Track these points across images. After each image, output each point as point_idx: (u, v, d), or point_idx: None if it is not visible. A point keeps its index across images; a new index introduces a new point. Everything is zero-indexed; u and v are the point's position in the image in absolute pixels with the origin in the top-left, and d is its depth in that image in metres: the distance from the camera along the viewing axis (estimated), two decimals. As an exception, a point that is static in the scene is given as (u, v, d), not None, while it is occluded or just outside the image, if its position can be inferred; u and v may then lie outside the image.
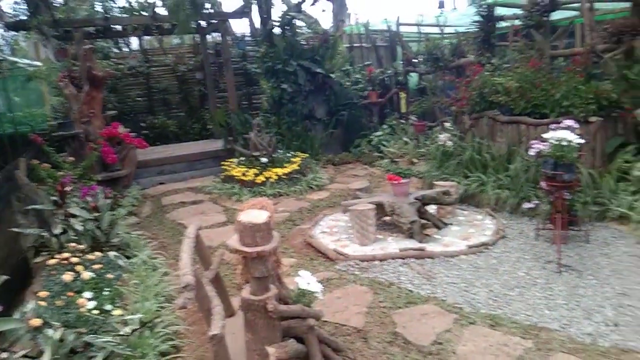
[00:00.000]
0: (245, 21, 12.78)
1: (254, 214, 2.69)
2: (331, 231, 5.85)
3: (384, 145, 9.46)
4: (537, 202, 5.56)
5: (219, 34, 10.91)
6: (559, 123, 4.80)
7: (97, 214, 4.91)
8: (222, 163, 8.53)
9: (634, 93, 6.06)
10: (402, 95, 10.79)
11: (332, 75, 10.02)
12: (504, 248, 5.04)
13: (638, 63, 6.16)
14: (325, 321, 3.67)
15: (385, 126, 10.17)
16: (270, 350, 2.63)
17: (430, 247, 5.07)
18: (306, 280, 2.95)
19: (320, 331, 3.18)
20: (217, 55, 11.76)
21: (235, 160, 8.45)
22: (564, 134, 4.36)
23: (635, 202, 5.38)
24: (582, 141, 4.55)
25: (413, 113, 10.28)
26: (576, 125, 4.66)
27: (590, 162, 5.85)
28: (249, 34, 12.33)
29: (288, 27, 9.74)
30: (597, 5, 7.35)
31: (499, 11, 8.51)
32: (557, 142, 4.36)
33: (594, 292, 4.01)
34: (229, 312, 3.36)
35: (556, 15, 7.90)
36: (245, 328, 2.78)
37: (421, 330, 3.44)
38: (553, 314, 3.69)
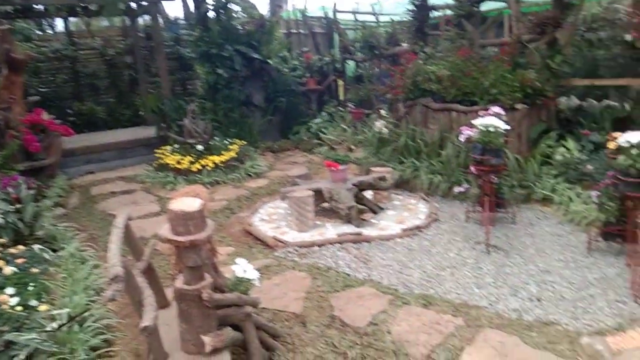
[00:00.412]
0: (178, 3, 12.33)
1: (186, 201, 2.61)
2: (270, 219, 5.82)
3: (322, 133, 9.51)
4: (467, 186, 5.79)
5: (151, 17, 10.47)
6: (487, 110, 5.00)
7: (19, 206, 4.61)
8: (155, 151, 8.24)
9: (556, 82, 6.43)
10: (340, 82, 10.86)
11: (269, 61, 9.91)
12: (436, 230, 5.22)
13: (560, 53, 6.53)
14: (264, 308, 3.65)
15: (323, 113, 10.21)
16: (206, 339, 2.58)
17: (367, 231, 5.16)
18: (242, 268, 2.92)
19: (258, 318, 3.17)
20: (148, 38, 11.30)
21: (169, 147, 8.19)
22: (491, 120, 4.55)
23: (557, 184, 5.72)
24: (508, 127, 4.77)
25: (351, 100, 10.38)
26: (503, 112, 4.88)
27: (517, 147, 6.15)
28: (182, 17, 11.92)
29: (223, 11, 9.51)
30: (523, -3, 7.69)
31: (432, 0, 8.72)
32: (484, 129, 4.55)
33: (519, 270, 4.23)
34: (163, 303, 3.27)
35: (486, 6, 8.21)
36: (179, 318, 2.71)
37: (358, 312, 3.50)
38: (482, 292, 3.87)
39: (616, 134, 3.90)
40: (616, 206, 4.22)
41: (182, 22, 11.91)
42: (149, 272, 3.19)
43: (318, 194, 5.55)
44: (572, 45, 7.03)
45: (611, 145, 3.92)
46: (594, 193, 4.62)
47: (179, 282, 2.67)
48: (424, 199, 6.14)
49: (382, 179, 5.84)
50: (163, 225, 2.67)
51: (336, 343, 3.20)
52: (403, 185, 6.57)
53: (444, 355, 3.01)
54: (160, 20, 10.75)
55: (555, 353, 3.02)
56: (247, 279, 2.90)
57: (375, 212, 5.74)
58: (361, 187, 5.71)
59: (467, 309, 3.61)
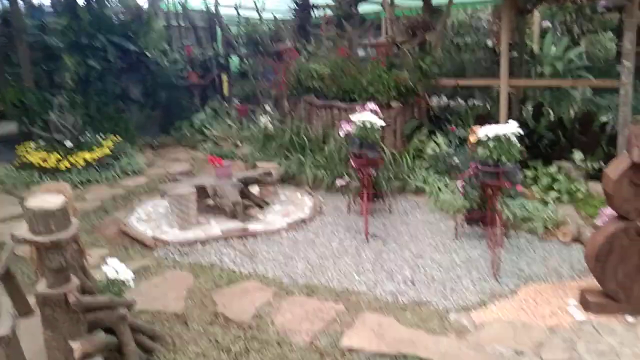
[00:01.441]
0: (42, -12, 11.22)
1: (47, 198, 2.39)
2: (149, 218, 5.54)
3: (206, 128, 9.27)
4: (348, 179, 6.01)
5: (9, 1, 9.41)
6: (364, 107, 5.23)
7: None
8: (17, 148, 7.44)
9: (427, 81, 6.91)
10: (224, 78, 10.67)
11: (147, 53, 9.43)
12: (320, 223, 5.35)
13: (429, 55, 7.03)
14: (143, 310, 3.47)
15: (207, 109, 9.96)
16: (75, 345, 2.38)
17: (253, 226, 5.14)
18: (114, 269, 2.75)
19: (135, 320, 3.00)
20: (7, 24, 10.14)
21: (32, 144, 7.44)
22: (368, 116, 4.77)
23: (429, 176, 6.16)
24: (384, 123, 5.04)
25: (236, 96, 10.25)
26: (378, 109, 5.13)
27: (392, 142, 6.52)
28: (49, 4, 10.88)
29: (94, -1, 8.86)
30: (398, 1, 8.15)
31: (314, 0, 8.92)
32: (361, 124, 4.75)
33: (395, 255, 4.49)
34: (25, 311, 2.96)
35: (365, 8, 8.58)
36: (43, 325, 2.47)
37: (241, 306, 3.47)
38: (362, 278, 4.05)
39: (476, 128, 4.29)
40: (478, 194, 4.66)
41: (48, 8, 10.87)
42: (8, 279, 2.87)
43: (202, 190, 5.41)
44: (441, 48, 7.62)
45: (472, 138, 4.31)
46: (459, 183, 5.05)
47: (42, 286, 2.44)
48: (309, 193, 6.26)
49: (268, 174, 5.84)
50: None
51: (219, 339, 3.14)
52: (289, 180, 6.64)
53: (326, 341, 3.09)
54: (22, 4, 9.71)
55: (427, 330, 3.25)
56: (120, 280, 2.73)
57: (261, 207, 5.73)
58: (247, 182, 5.67)
59: (348, 295, 3.75)
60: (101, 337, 2.52)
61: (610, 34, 9.99)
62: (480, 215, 4.68)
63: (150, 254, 4.56)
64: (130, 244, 4.87)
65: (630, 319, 3.32)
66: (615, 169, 3.22)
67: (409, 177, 6.23)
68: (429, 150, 6.41)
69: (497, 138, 3.84)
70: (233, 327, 3.28)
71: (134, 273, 3.96)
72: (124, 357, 2.70)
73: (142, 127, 9.32)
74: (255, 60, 9.96)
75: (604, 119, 6.52)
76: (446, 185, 5.85)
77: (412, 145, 6.59)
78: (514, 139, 3.88)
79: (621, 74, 5.09)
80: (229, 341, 3.11)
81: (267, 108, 8.07)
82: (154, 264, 4.31)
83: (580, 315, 3.41)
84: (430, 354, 2.91)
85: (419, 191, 6.12)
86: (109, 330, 2.67)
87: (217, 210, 5.54)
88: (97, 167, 7.07)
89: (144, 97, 9.43)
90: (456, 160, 5.98)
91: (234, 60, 11.04)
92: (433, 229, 5.13)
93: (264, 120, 7.26)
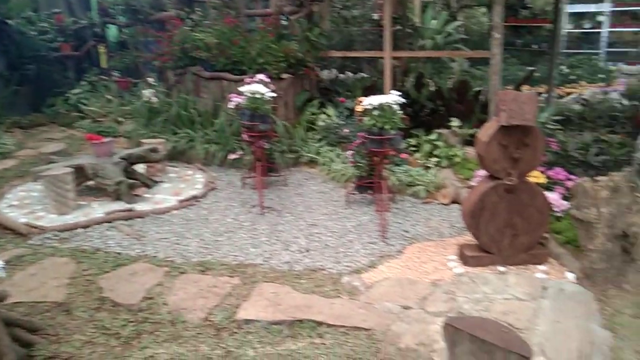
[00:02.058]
0: None
1: None
2: (22, 204, 5.05)
3: (83, 104, 8.56)
4: (241, 152, 5.92)
5: None
6: (254, 78, 5.15)
7: None
8: None
9: (315, 53, 6.95)
10: (101, 49, 9.88)
11: (9, 21, 8.42)
12: (214, 199, 5.24)
13: (317, 27, 7.06)
14: (18, 302, 3.18)
15: (84, 83, 9.18)
16: None
17: (139, 206, 4.88)
18: (-22, 258, 2.46)
19: (9, 314, 2.74)
20: None
21: None
22: (257, 87, 4.71)
23: (321, 148, 6.27)
24: (274, 94, 5.00)
25: (115, 68, 9.55)
26: (268, 80, 5.08)
27: (285, 115, 6.51)
28: None
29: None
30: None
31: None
32: (251, 95, 4.68)
33: (290, 226, 4.54)
34: None
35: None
36: None
37: (130, 289, 3.31)
38: (257, 251, 4.04)
39: (362, 99, 4.43)
40: (366, 162, 4.83)
41: None
42: None
43: (80, 171, 5.01)
44: (329, 20, 7.69)
45: (358, 108, 4.44)
46: (349, 152, 5.20)
47: None
48: (201, 169, 6.08)
49: (154, 150, 5.56)
50: None
51: (108, 325, 2.98)
52: (178, 156, 6.39)
53: (221, 315, 3.06)
54: None
55: (322, 294, 3.34)
56: (-15, 270, 2.46)
57: (149, 187, 5.46)
58: (131, 160, 5.35)
59: (244, 269, 3.73)
60: (-35, 335, 2.26)
61: (484, 9, 10.77)
62: (369, 183, 4.87)
63: (24, 242, 4.16)
64: (1, 233, 4.40)
65: (501, 268, 3.69)
66: (485, 132, 3.50)
67: (302, 149, 6.29)
68: (320, 122, 6.50)
69: (380, 107, 3.99)
70: (122, 311, 3.12)
71: (7, 264, 3.64)
72: (-3, 354, 2.46)
73: (9, 105, 8.37)
74: (135, 30, 9.31)
75: (478, 88, 7.06)
76: (338, 156, 5.99)
77: (304, 117, 6.64)
78: (396, 107, 4.05)
79: (491, 46, 5.51)
80: (119, 326, 2.96)
81: (151, 81, 7.63)
82: (30, 252, 3.94)
83: (459, 268, 3.71)
84: (325, 317, 3.00)
85: (312, 163, 6.21)
86: (-25, 328, 2.41)
87: (100, 192, 5.19)
88: (-47, 151, 6.26)
89: (9, 71, 8.45)
90: (346, 130, 6.14)
91: (112, 30, 10.24)
92: (326, 198, 5.25)
93: (147, 93, 6.85)
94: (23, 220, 4.55)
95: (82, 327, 2.97)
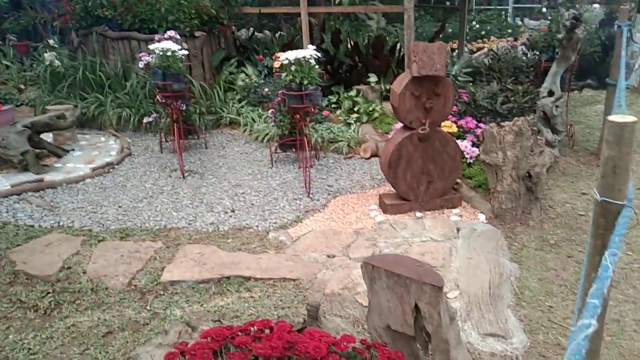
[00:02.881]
0: None
1: None
2: None
3: (-23, 72, 7.78)
4: (155, 115, 5.69)
5: None
6: (164, 35, 4.91)
7: None
8: None
9: (230, 9, 6.73)
10: (-8, 10, 8.94)
11: None
12: (130, 165, 5.03)
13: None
14: None
15: (-26, 48, 8.31)
16: None
17: (50, 176, 4.59)
18: None
19: None
20: None
21: None
22: (168, 44, 4.50)
23: (242, 108, 6.16)
24: (186, 52, 4.81)
25: (10, 31, 8.71)
26: (178, 36, 4.86)
27: (201, 75, 6.31)
28: None
29: None
30: None
31: None
32: (162, 53, 4.47)
33: (214, 188, 4.48)
34: None
35: None
36: None
37: (46, 261, 3.15)
38: (180, 214, 3.97)
39: (279, 54, 4.37)
40: (287, 120, 4.83)
41: None
42: None
43: (-22, 142, 4.61)
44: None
45: (276, 64, 4.38)
46: (270, 112, 5.16)
47: None
48: (115, 135, 5.80)
49: (61, 117, 5.21)
50: None
51: (23, 298, 2.83)
52: (89, 123, 6.04)
53: (146, 279, 3.01)
54: None
55: (248, 251, 3.37)
56: None
57: (59, 156, 5.14)
58: (36, 128, 4.98)
59: (167, 232, 3.66)
60: None
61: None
62: (292, 141, 4.88)
63: None
64: None
65: (419, 214, 3.88)
66: (399, 84, 3.60)
67: (222, 110, 6.16)
68: (240, 82, 6.37)
69: (297, 62, 3.97)
70: (38, 283, 2.97)
71: None
72: None
73: None
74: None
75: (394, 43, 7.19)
76: (260, 116, 5.93)
77: (223, 77, 6.46)
78: (313, 62, 4.05)
79: (404, 1, 5.60)
80: (36, 298, 2.82)
81: (52, 43, 7.05)
82: None
83: (380, 217, 3.86)
84: (252, 272, 3.04)
85: (233, 124, 6.11)
86: None
87: (5, 164, 4.81)
88: None
89: None
90: (266, 90, 6.07)
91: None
92: (250, 159, 5.21)
93: (49, 57, 6.33)
94: None
95: (-7, 303, 2.80)
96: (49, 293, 2.87)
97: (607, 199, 1.28)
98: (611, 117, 1.24)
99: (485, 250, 3.28)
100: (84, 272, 3.07)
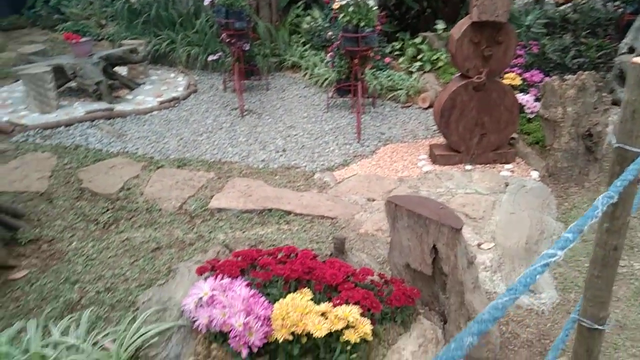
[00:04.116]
0: None
1: None
2: (4, 104, 5.07)
3: (65, 6, 8.28)
4: (220, 53, 5.84)
5: None
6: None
7: None
8: None
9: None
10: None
11: None
12: (195, 101, 5.26)
13: None
14: (2, 192, 3.33)
15: (63, -16, 8.80)
16: None
17: (121, 107, 4.92)
18: (-47, 144, 2.55)
19: (-10, 200, 2.89)
20: None
21: None
22: (232, -18, 4.56)
23: (305, 52, 6.18)
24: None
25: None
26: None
27: (268, 16, 6.34)
28: None
29: None
30: None
31: None
32: (226, -10, 4.55)
33: (269, 128, 4.62)
34: None
35: None
36: None
37: (109, 181, 3.45)
38: (235, 150, 4.15)
39: (341, -5, 4.31)
40: (345, 64, 4.80)
41: None
42: None
43: (60, 71, 4.99)
44: None
45: (335, 5, 4.33)
46: (329, 55, 5.14)
47: None
48: (183, 72, 6.04)
49: (134, 51, 5.50)
50: None
51: (87, 212, 3.14)
52: (161, 60, 6.31)
53: (195, 205, 3.22)
54: None
55: (293, 188, 3.50)
56: (-39, 155, 2.56)
57: (131, 88, 5.46)
58: (110, 61, 5.31)
59: (220, 165, 3.86)
60: (-54, 213, 2.41)
61: None
62: (348, 86, 4.87)
63: (7, 140, 4.25)
64: (-18, 131, 4.49)
65: (468, 167, 3.82)
66: (458, 29, 3.47)
67: (285, 52, 6.20)
68: (305, 25, 6.35)
69: (355, 3, 3.90)
70: (100, 200, 3.28)
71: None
72: (-20, 234, 2.63)
73: (-14, 6, 8.10)
74: None
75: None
76: (321, 60, 5.92)
77: (289, 19, 6.47)
78: (371, 4, 3.97)
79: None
80: (97, 213, 3.13)
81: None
82: (12, 147, 4.05)
83: (427, 167, 3.84)
84: (293, 207, 3.17)
85: (295, 67, 6.16)
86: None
87: (82, 93, 5.20)
88: None
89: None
90: (330, 33, 6.01)
91: None
92: (307, 102, 5.28)
93: (127, -7, 6.61)
94: (5, 118, 4.60)
95: (63, 214, 3.13)
96: (108, 210, 3.17)
97: (623, 146, 1.24)
98: (636, 59, 1.18)
99: (530, 207, 3.20)
100: (141, 194, 3.33)
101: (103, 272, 2.59)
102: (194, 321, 1.84)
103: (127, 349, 1.86)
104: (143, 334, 1.90)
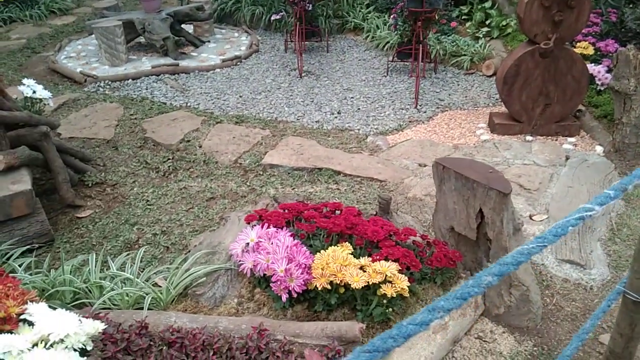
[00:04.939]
0: None
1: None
2: (79, 56, 5.36)
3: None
4: (283, 13, 5.85)
5: None
6: None
7: None
8: None
9: None
10: None
11: None
12: (256, 60, 5.34)
13: None
14: (73, 137, 3.57)
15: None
16: (-3, 158, 2.49)
17: (185, 63, 5.08)
18: (31, 88, 2.76)
19: (63, 143, 3.11)
20: None
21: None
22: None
23: (368, 14, 6.07)
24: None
25: None
26: None
27: (333, -23, 6.25)
28: None
29: None
30: None
31: None
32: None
33: (326, 90, 4.63)
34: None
35: None
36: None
37: (170, 132, 3.61)
38: (291, 110, 4.21)
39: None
40: (408, 26, 4.69)
41: None
42: None
43: (130, 26, 5.19)
44: None
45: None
46: (392, 17, 5.03)
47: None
48: (247, 32, 6.11)
49: (200, 8, 5.61)
50: None
51: (149, 160, 3.31)
52: (226, 19, 6.42)
53: (250, 159, 3.32)
54: None
55: (344, 149, 3.52)
56: (37, 98, 2.76)
57: (196, 46, 5.60)
58: (178, 18, 5.45)
59: (276, 124, 3.93)
60: (24, 151, 2.62)
61: None
62: (410, 49, 4.77)
63: (80, 89, 4.52)
64: (59, 80, 4.79)
65: (528, 138, 3.68)
66: (528, -8, 3.29)
67: (348, 14, 6.13)
68: (371, -14, 6.22)
69: (422, -38, 3.77)
70: (162, 150, 3.44)
71: (64, 106, 4.01)
72: (53, 173, 2.85)
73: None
74: None
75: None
76: (384, 23, 5.81)
77: (353, -20, 6.35)
78: (439, -37, 3.83)
79: None
80: (158, 162, 3.30)
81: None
82: (84, 97, 4.30)
83: (485, 136, 3.73)
84: (343, 168, 3.20)
85: (357, 29, 6.08)
86: (33, 148, 2.77)
87: (149, 48, 5.40)
88: (19, 5, 6.55)
89: None
90: (395, -5, 5.86)
91: None
92: (366, 65, 5.22)
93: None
94: (79, 69, 4.87)
95: (126, 161, 3.33)
96: (169, 159, 3.32)
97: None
98: None
99: (590, 181, 3.07)
100: (200, 147, 3.47)
101: (160, 216, 2.75)
102: (240, 264, 1.94)
103: (176, 286, 1.99)
104: (192, 274, 2.02)
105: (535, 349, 1.95)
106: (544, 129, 3.68)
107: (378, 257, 1.85)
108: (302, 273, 1.81)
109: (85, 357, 1.46)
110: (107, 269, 2.13)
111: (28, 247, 2.40)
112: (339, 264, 1.80)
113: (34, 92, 2.76)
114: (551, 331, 2.05)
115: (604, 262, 2.49)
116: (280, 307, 1.87)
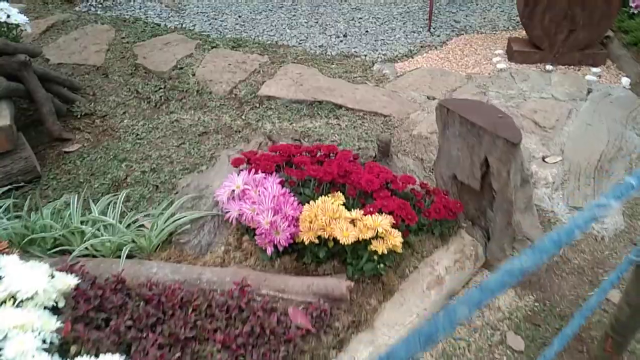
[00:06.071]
0: None
1: None
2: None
3: None
4: None
5: None
6: None
7: None
8: None
9: None
10: None
11: None
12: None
13: None
14: (61, 63, 3.36)
15: None
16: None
17: (181, -22, 4.71)
18: (5, 12, 2.53)
19: (49, 71, 2.92)
20: None
21: None
22: None
23: None
24: None
25: None
26: None
27: None
28: None
29: None
30: None
31: None
32: None
33: (332, 9, 4.28)
34: None
35: None
36: None
37: (162, 58, 3.38)
38: (293, 32, 3.91)
39: None
40: (425, -62, 4.23)
41: None
42: None
43: None
44: None
45: None
46: None
47: None
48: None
49: None
50: None
51: (140, 89, 3.13)
52: None
53: (246, 90, 3.12)
54: None
55: (348, 79, 3.28)
56: (13, 24, 2.55)
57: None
58: None
59: (276, 48, 3.67)
60: (1, 82, 2.45)
61: None
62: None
63: (71, 9, 4.23)
64: (48, -2, 4.48)
65: (548, 67, 3.39)
66: None
67: None
68: None
69: None
70: (153, 77, 3.24)
71: (53, 28, 3.77)
72: (37, 104, 2.69)
73: None
74: None
75: None
76: None
77: None
78: None
79: None
80: (149, 91, 3.11)
81: None
82: (74, 18, 4.03)
83: (502, 64, 3.45)
84: (345, 101, 2.99)
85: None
86: (13, 79, 2.60)
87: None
88: None
89: None
90: None
91: None
92: (378, -19, 4.80)
93: None
94: (69, -14, 4.55)
95: (117, 90, 3.14)
96: (160, 89, 3.13)
97: None
98: None
99: (611, 118, 2.83)
100: (193, 74, 3.26)
101: (150, 152, 2.62)
102: (226, 212, 1.82)
103: (160, 232, 1.89)
104: (177, 220, 1.92)
105: (536, 304, 1.86)
106: (566, 58, 3.38)
107: (371, 210, 1.72)
108: (288, 226, 1.69)
109: (56, 315, 1.39)
110: (89, 213, 2.03)
111: (11, 186, 2.30)
112: (328, 216, 1.67)
113: (9, 16, 2.53)
114: (555, 285, 1.95)
115: (619, 210, 2.33)
116: (267, 258, 1.78)
